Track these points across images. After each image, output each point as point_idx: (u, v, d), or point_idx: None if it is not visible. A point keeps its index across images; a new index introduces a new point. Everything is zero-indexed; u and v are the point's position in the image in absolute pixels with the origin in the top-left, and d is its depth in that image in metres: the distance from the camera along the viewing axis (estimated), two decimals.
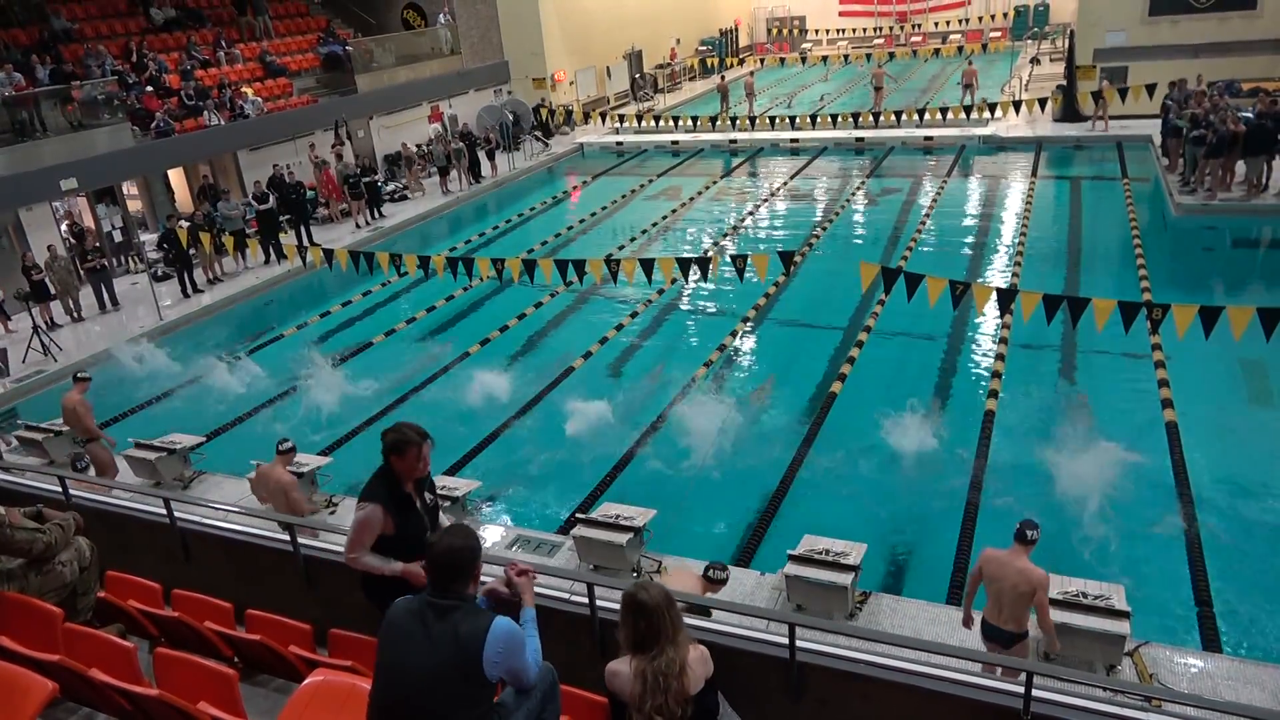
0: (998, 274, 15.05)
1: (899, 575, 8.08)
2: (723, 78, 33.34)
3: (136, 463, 9.91)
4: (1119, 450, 9.68)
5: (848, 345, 12.57)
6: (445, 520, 4.84)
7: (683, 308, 15.08)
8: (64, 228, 17.30)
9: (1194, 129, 16.72)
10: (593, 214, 21.23)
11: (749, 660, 4.38)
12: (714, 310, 14.68)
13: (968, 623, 6.24)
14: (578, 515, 8.35)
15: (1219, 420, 10.03)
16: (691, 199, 21.60)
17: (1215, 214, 16.58)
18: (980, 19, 41.80)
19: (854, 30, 44.13)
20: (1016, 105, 23.01)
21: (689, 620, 4.15)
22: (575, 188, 24.72)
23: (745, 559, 8.14)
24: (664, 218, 20.07)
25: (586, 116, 28.36)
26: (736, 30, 44.44)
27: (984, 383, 11.17)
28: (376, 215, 21.28)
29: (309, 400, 12.54)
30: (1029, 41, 38.17)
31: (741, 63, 40.97)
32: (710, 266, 11.27)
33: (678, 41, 38.55)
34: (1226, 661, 6.30)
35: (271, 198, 18.77)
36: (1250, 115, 16.70)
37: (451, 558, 3.19)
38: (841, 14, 44.58)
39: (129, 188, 19.86)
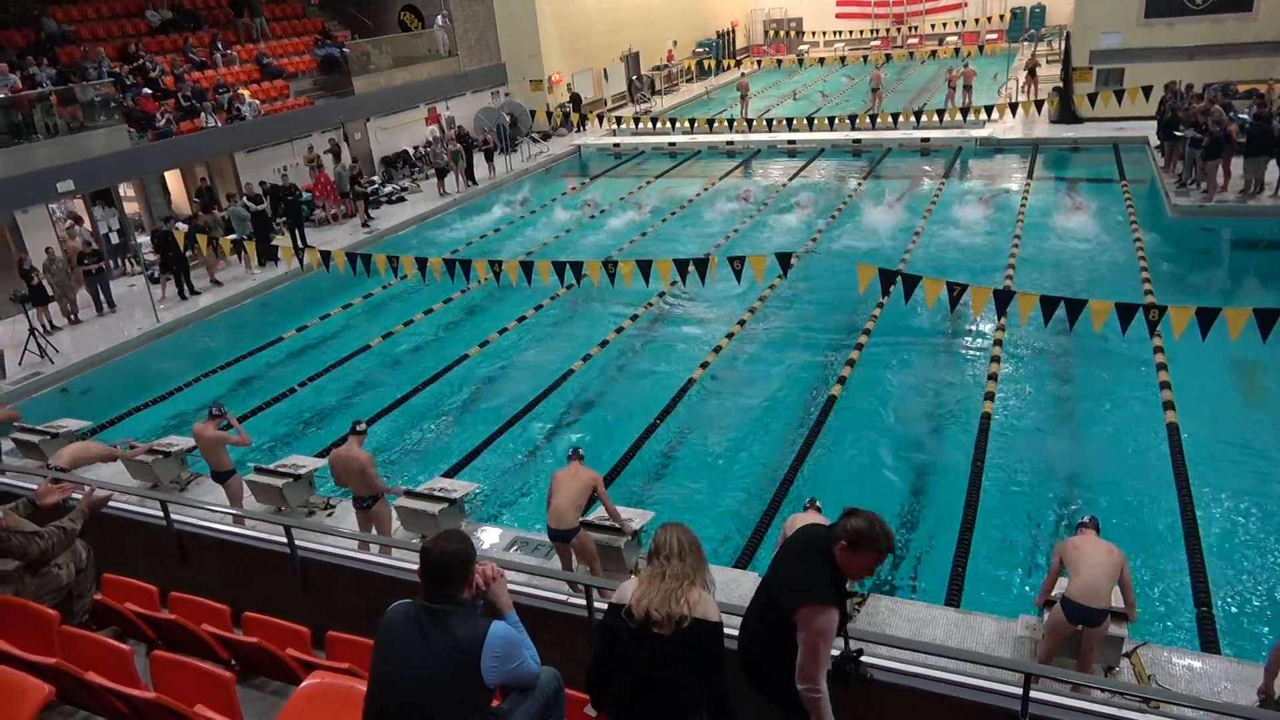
0: (995, 275, 15.04)
1: (897, 577, 8.08)
2: (744, 75, 33.31)
3: (134, 465, 9.89)
4: (1116, 451, 9.71)
5: (846, 347, 12.57)
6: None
7: (681, 310, 15.08)
8: (79, 229, 17.25)
9: (1194, 132, 16.73)
10: (591, 216, 21.22)
11: None
12: (712, 312, 14.68)
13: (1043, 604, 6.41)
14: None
15: (1217, 421, 10.03)
16: (690, 201, 21.60)
17: (1212, 215, 16.61)
18: (977, 21, 41.88)
19: (851, 32, 44.21)
20: (1013, 107, 23.04)
21: None
22: (573, 188, 24.71)
23: (744, 561, 8.13)
24: (662, 220, 20.07)
25: (584, 119, 28.39)
26: (734, 32, 44.46)
27: (981, 385, 11.17)
28: (368, 218, 21.23)
29: (307, 403, 12.54)
30: (1025, 43, 38.23)
31: (739, 64, 41.00)
32: (708, 268, 11.25)
33: (674, 43, 38.56)
34: (1224, 663, 6.29)
35: (264, 200, 18.72)
36: (1246, 117, 16.74)
37: (446, 562, 3.17)
38: (839, 16, 44.68)
39: (125, 190, 19.82)
